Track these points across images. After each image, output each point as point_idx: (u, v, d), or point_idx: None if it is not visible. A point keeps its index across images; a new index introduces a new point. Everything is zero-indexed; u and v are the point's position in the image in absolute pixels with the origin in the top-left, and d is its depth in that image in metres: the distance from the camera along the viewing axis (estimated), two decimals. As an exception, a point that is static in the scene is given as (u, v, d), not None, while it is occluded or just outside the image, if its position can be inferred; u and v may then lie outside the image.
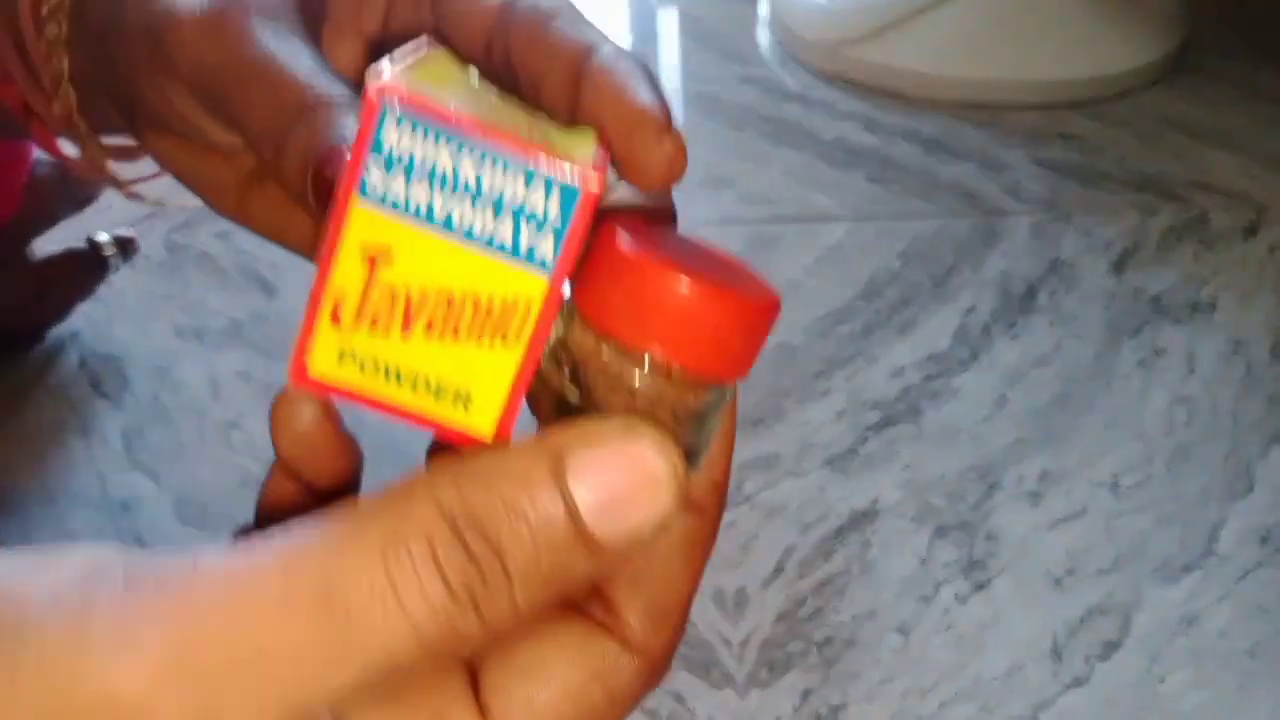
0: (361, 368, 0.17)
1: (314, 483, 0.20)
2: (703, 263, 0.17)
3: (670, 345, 0.16)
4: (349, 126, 0.20)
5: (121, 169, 0.31)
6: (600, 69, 0.19)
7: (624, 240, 0.16)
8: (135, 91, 0.24)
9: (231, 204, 0.26)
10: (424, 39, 0.19)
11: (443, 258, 0.16)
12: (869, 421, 0.46)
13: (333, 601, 0.14)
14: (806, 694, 0.37)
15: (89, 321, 0.49)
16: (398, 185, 0.16)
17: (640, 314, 0.16)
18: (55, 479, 0.43)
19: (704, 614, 0.39)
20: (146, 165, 0.30)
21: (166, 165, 0.27)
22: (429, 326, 0.17)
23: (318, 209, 0.20)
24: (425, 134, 0.16)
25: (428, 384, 0.17)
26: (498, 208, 0.16)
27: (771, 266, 0.54)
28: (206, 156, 0.25)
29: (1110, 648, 0.39)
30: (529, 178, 0.16)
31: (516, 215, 0.16)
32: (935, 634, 0.39)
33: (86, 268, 0.47)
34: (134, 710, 0.13)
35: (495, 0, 0.21)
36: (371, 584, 0.14)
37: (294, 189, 0.21)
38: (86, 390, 0.46)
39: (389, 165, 0.16)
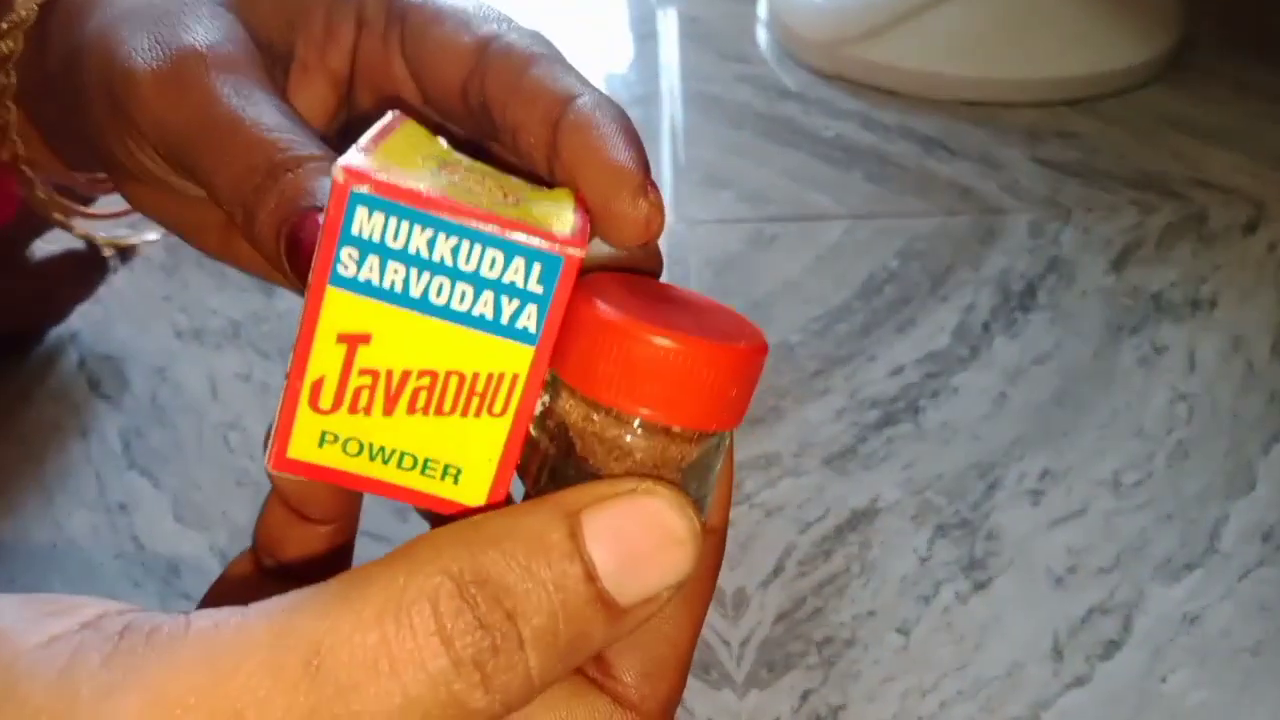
0: (344, 448, 0.16)
1: (313, 518, 0.19)
2: (685, 315, 0.17)
3: (663, 406, 0.16)
4: (322, 188, 0.19)
5: (91, 208, 0.31)
6: (577, 122, 0.18)
7: (603, 306, 0.16)
8: (103, 147, 0.23)
9: (215, 245, 0.26)
10: (392, 113, 0.18)
11: (423, 336, 0.16)
12: (868, 420, 0.46)
13: (321, 672, 0.13)
14: (806, 694, 0.37)
15: (88, 322, 0.49)
16: (371, 269, 0.15)
17: (628, 378, 0.16)
18: (54, 479, 0.43)
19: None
20: (117, 202, 0.29)
21: (145, 210, 0.26)
22: (413, 404, 0.16)
23: (292, 275, 0.19)
24: (397, 217, 0.15)
25: (414, 460, 0.16)
26: (477, 284, 0.16)
27: (770, 265, 0.54)
28: (186, 201, 0.25)
29: (1111, 647, 0.39)
30: (507, 252, 0.15)
31: (497, 290, 0.16)
32: (935, 633, 0.39)
33: (85, 268, 0.47)
34: None
35: (470, 40, 0.20)
36: (365, 653, 0.13)
37: (267, 253, 0.20)
38: (85, 391, 0.46)
39: (361, 250, 0.15)
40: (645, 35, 0.72)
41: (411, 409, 0.16)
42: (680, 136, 0.63)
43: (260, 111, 0.20)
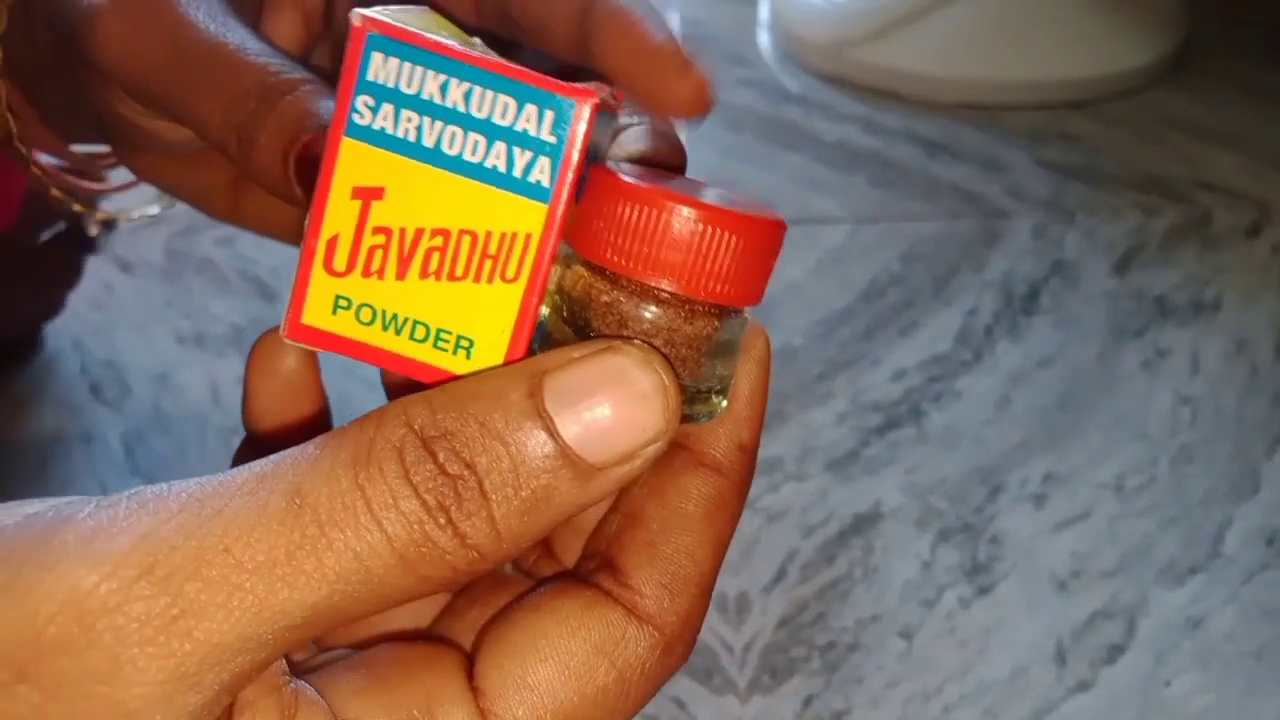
0: (358, 315, 0.16)
1: (284, 437, 0.19)
2: (703, 192, 0.16)
3: (679, 275, 0.15)
4: (325, 109, 0.19)
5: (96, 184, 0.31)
6: (609, 12, 0.18)
7: (619, 173, 0.16)
8: (93, 110, 0.23)
9: (224, 207, 0.25)
10: (415, 7, 0.18)
11: (437, 192, 0.16)
12: (871, 424, 0.46)
13: (303, 511, 0.14)
14: (809, 699, 0.37)
15: (90, 328, 0.49)
16: (386, 118, 0.15)
17: (642, 244, 0.15)
18: (56, 486, 0.43)
19: (705, 619, 0.39)
20: (120, 176, 0.29)
21: (151, 179, 0.26)
22: (425, 268, 0.16)
23: (305, 198, 0.19)
24: (413, 63, 0.15)
25: (427, 330, 0.16)
26: (489, 134, 0.15)
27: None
28: (191, 164, 0.24)
29: (1115, 651, 0.38)
30: (519, 98, 0.15)
31: (509, 139, 0.15)
32: (939, 638, 0.39)
33: (72, 251, 0.46)
34: (98, 613, 0.13)
35: None
36: (343, 495, 0.14)
37: (271, 182, 0.19)
38: (87, 397, 0.46)
39: (377, 98, 0.15)
40: (647, 39, 0.72)
41: (424, 273, 0.16)
42: (682, 139, 0.63)
43: (241, 36, 0.20)
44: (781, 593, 0.40)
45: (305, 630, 0.14)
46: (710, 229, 0.15)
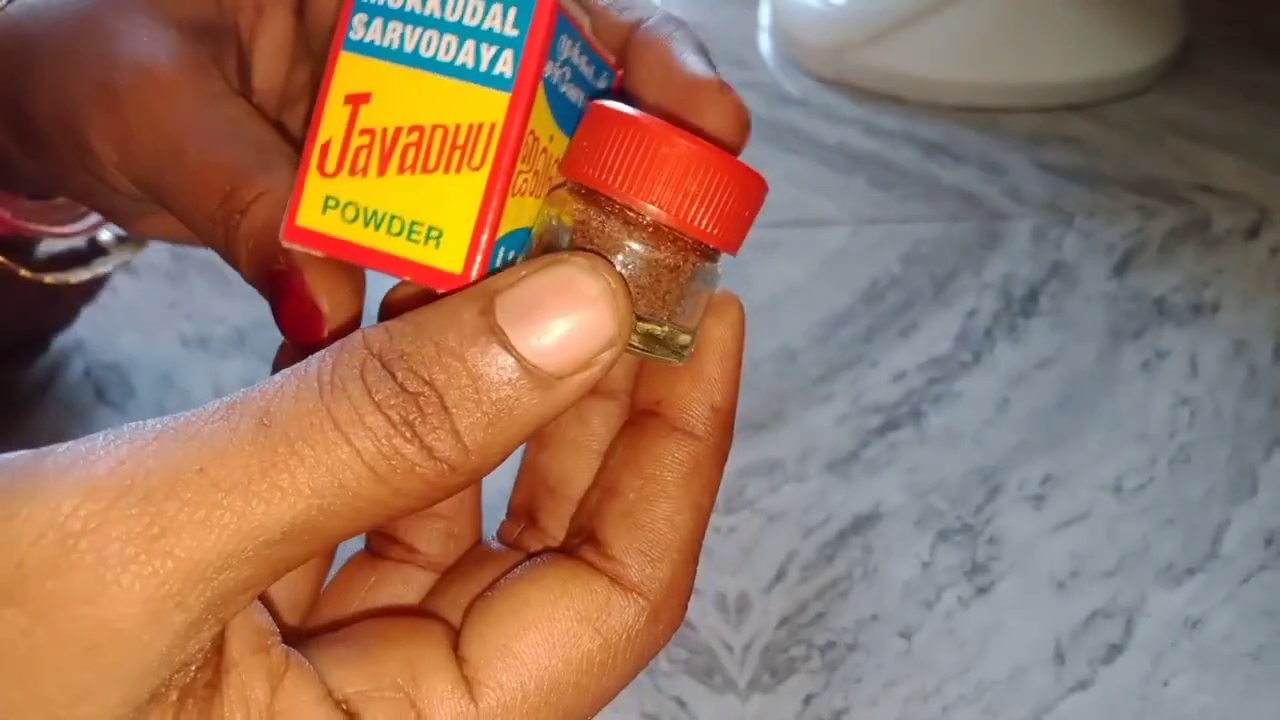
0: (343, 214, 0.17)
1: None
2: (699, 135, 0.17)
3: (667, 200, 0.16)
4: (281, 223, 0.19)
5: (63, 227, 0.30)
6: (647, 42, 0.19)
7: (617, 106, 0.16)
8: (73, 185, 0.23)
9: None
10: None
11: (415, 91, 0.17)
12: (871, 425, 0.46)
13: (272, 430, 0.14)
14: (809, 699, 0.37)
15: (94, 330, 0.49)
16: (376, 30, 0.17)
17: (636, 167, 0.16)
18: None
19: (705, 619, 0.39)
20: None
21: (147, 234, 0.26)
22: (402, 163, 0.17)
23: (270, 299, 0.20)
24: None
25: (402, 224, 0.17)
26: (461, 33, 0.17)
27: (773, 271, 0.54)
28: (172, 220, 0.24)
29: (1113, 651, 0.39)
30: (488, 1, 0.17)
31: (478, 37, 0.17)
32: (938, 638, 0.39)
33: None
34: (79, 535, 0.13)
35: None
36: (311, 414, 0.14)
37: (244, 275, 0.20)
38: (91, 399, 0.46)
39: (369, 14, 0.17)
40: (648, 42, 0.72)
41: (401, 168, 0.17)
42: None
43: (205, 133, 0.21)
44: (782, 592, 0.40)
45: (285, 548, 0.14)
46: (707, 164, 0.16)
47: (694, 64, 0.19)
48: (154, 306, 0.51)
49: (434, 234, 0.17)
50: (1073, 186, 0.60)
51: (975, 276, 0.54)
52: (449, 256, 0.17)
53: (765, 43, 0.72)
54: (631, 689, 0.40)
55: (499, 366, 0.14)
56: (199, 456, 0.14)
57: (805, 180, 0.60)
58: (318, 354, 0.15)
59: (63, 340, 0.48)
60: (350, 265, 0.18)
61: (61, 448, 0.14)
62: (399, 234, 0.17)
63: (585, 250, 0.16)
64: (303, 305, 0.19)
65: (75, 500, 0.13)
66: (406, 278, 0.17)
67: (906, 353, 0.50)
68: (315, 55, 0.24)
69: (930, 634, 0.39)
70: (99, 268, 0.36)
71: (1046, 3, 0.67)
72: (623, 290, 0.15)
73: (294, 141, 0.22)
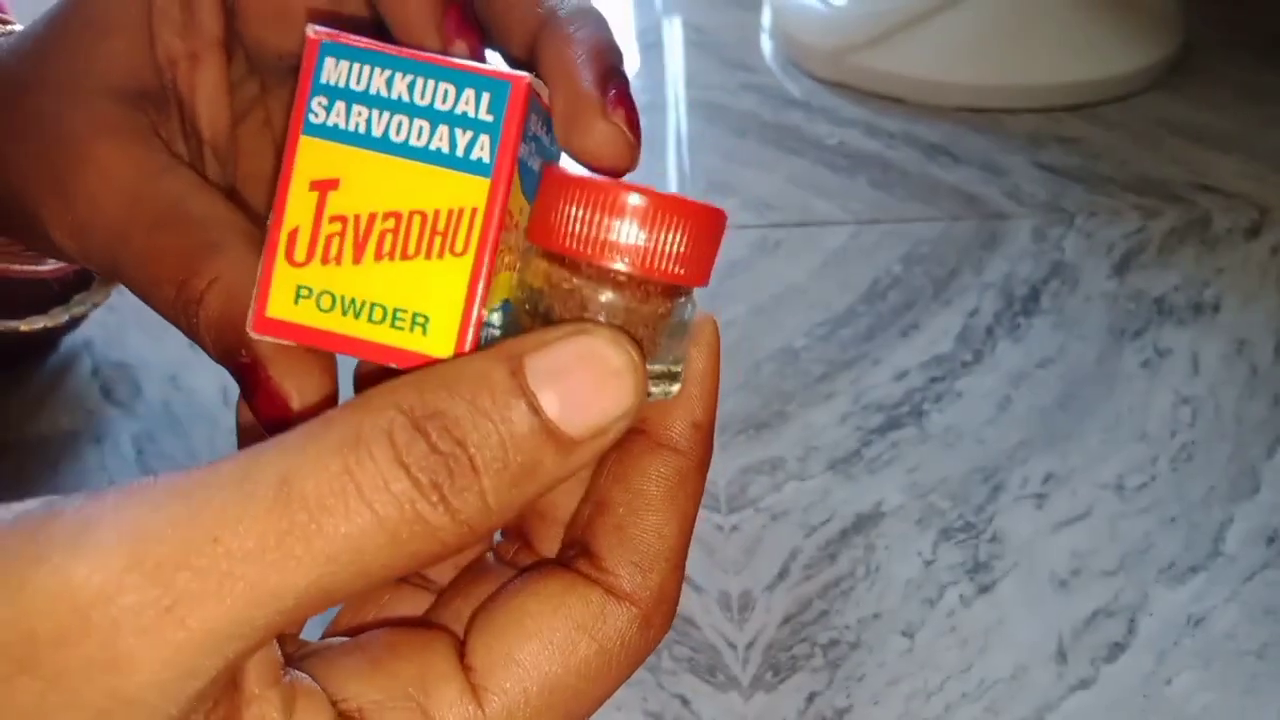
0: (318, 304, 0.17)
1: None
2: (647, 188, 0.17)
3: (631, 254, 0.16)
4: (245, 290, 0.19)
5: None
6: (552, 42, 0.19)
7: (568, 169, 0.17)
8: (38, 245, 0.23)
9: None
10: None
11: (387, 177, 0.17)
12: (872, 424, 0.46)
13: (291, 496, 0.14)
14: (812, 697, 0.37)
15: (101, 330, 0.49)
16: (339, 114, 0.17)
17: (598, 229, 0.16)
18: (68, 486, 0.44)
19: (708, 617, 0.39)
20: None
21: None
22: (379, 250, 0.17)
23: (239, 384, 0.20)
24: (360, 62, 0.17)
25: (384, 312, 0.17)
26: (432, 119, 0.17)
27: (774, 271, 0.54)
28: None
29: (1116, 650, 0.39)
30: (458, 84, 0.16)
31: (451, 122, 0.16)
32: (940, 636, 0.39)
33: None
34: (91, 605, 0.13)
35: None
36: (331, 479, 0.14)
37: (207, 351, 0.21)
38: (98, 398, 0.47)
39: (330, 97, 0.17)
40: (650, 44, 0.73)
41: (379, 255, 0.17)
42: (685, 144, 0.63)
43: (149, 218, 0.20)
44: (784, 591, 0.40)
45: (296, 612, 0.14)
46: (661, 212, 0.16)
47: (583, 79, 0.18)
48: (159, 308, 0.51)
49: (420, 320, 0.17)
50: (1073, 186, 0.60)
51: (976, 276, 0.54)
52: (437, 342, 0.17)
53: (767, 45, 0.72)
54: (634, 687, 0.40)
55: (528, 429, 0.15)
56: (213, 525, 0.14)
57: (807, 181, 0.60)
58: (340, 410, 0.15)
59: (71, 340, 0.49)
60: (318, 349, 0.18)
61: (70, 506, 0.14)
62: (381, 321, 0.17)
63: (575, 313, 0.17)
64: (270, 397, 0.19)
65: (86, 570, 0.13)
66: (392, 364, 0.17)
67: (908, 352, 0.50)
68: (258, 72, 0.24)
69: (932, 632, 0.39)
70: (76, 307, 0.36)
71: (1047, 4, 0.67)
72: (643, 365, 0.16)
73: (252, 212, 0.22)
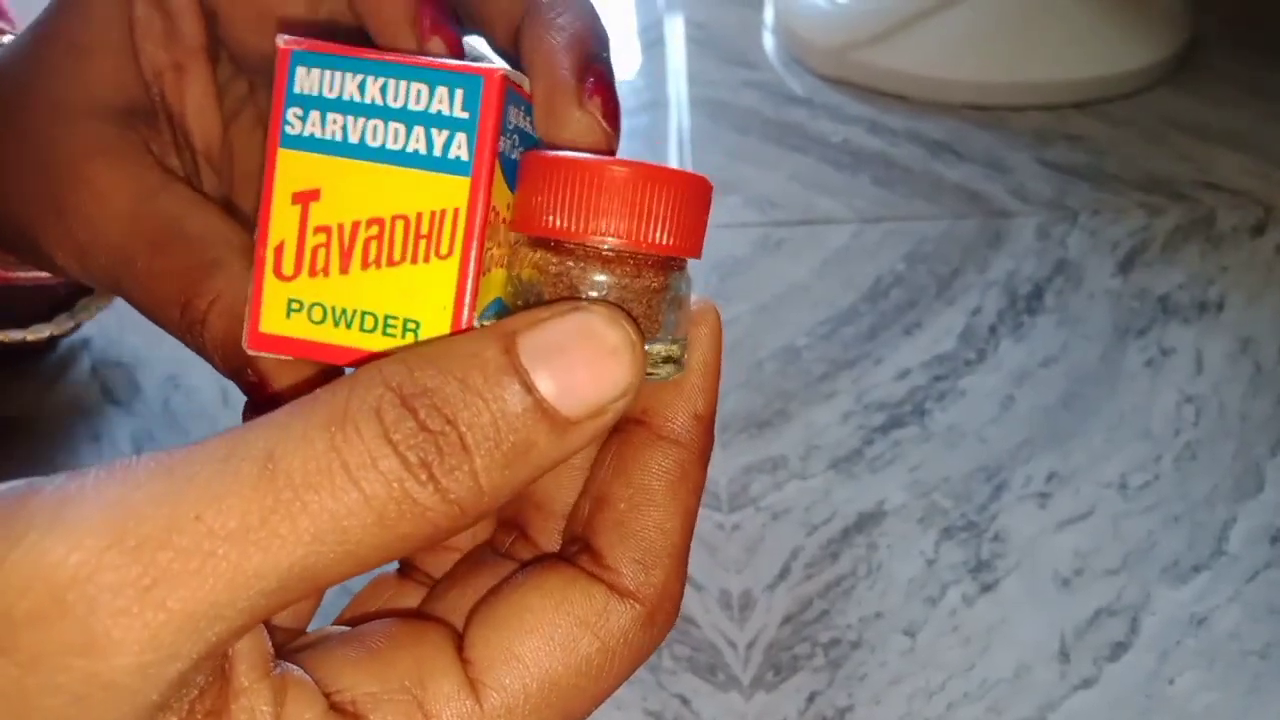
0: (310, 316, 0.17)
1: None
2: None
3: (618, 227, 0.16)
4: (239, 304, 0.19)
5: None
6: (534, 30, 0.19)
7: (546, 151, 0.16)
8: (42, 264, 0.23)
9: None
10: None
11: (367, 183, 0.16)
12: (875, 423, 0.46)
13: (276, 474, 0.13)
14: (813, 696, 0.37)
15: (101, 329, 0.49)
16: (314, 124, 0.16)
17: (582, 206, 0.16)
18: (68, 485, 0.43)
19: (709, 616, 0.39)
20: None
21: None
22: (365, 258, 0.17)
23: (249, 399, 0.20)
24: (331, 69, 0.16)
25: (375, 320, 0.17)
26: (408, 120, 0.16)
27: (777, 269, 0.54)
28: None
29: (1119, 649, 0.39)
30: (430, 83, 0.16)
31: (426, 123, 0.16)
32: (942, 636, 0.39)
33: None
34: (68, 584, 0.13)
35: None
36: (318, 458, 0.14)
37: (218, 369, 0.20)
38: (98, 397, 0.47)
39: (304, 107, 0.16)
40: (653, 42, 0.72)
41: (365, 263, 0.16)
42: (687, 142, 0.63)
43: (148, 239, 0.20)
44: (785, 590, 0.40)
45: (281, 595, 0.14)
46: (645, 181, 0.16)
47: (561, 66, 0.18)
48: (160, 306, 0.51)
49: (411, 326, 0.16)
50: (1077, 184, 0.59)
51: (980, 274, 0.54)
52: None
53: (770, 42, 0.72)
54: (635, 686, 0.40)
55: (521, 408, 0.14)
56: (196, 502, 0.13)
57: (810, 178, 0.60)
58: (327, 388, 0.14)
59: (70, 339, 0.49)
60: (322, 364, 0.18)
61: (50, 484, 0.14)
62: (373, 330, 0.17)
63: (565, 297, 0.16)
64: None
65: (64, 548, 0.13)
66: None
67: (911, 350, 0.50)
68: (245, 72, 0.24)
69: (934, 631, 0.39)
70: (81, 313, 0.36)
71: (1051, 1, 0.67)
72: (640, 343, 0.15)
73: (249, 219, 0.22)
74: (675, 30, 0.73)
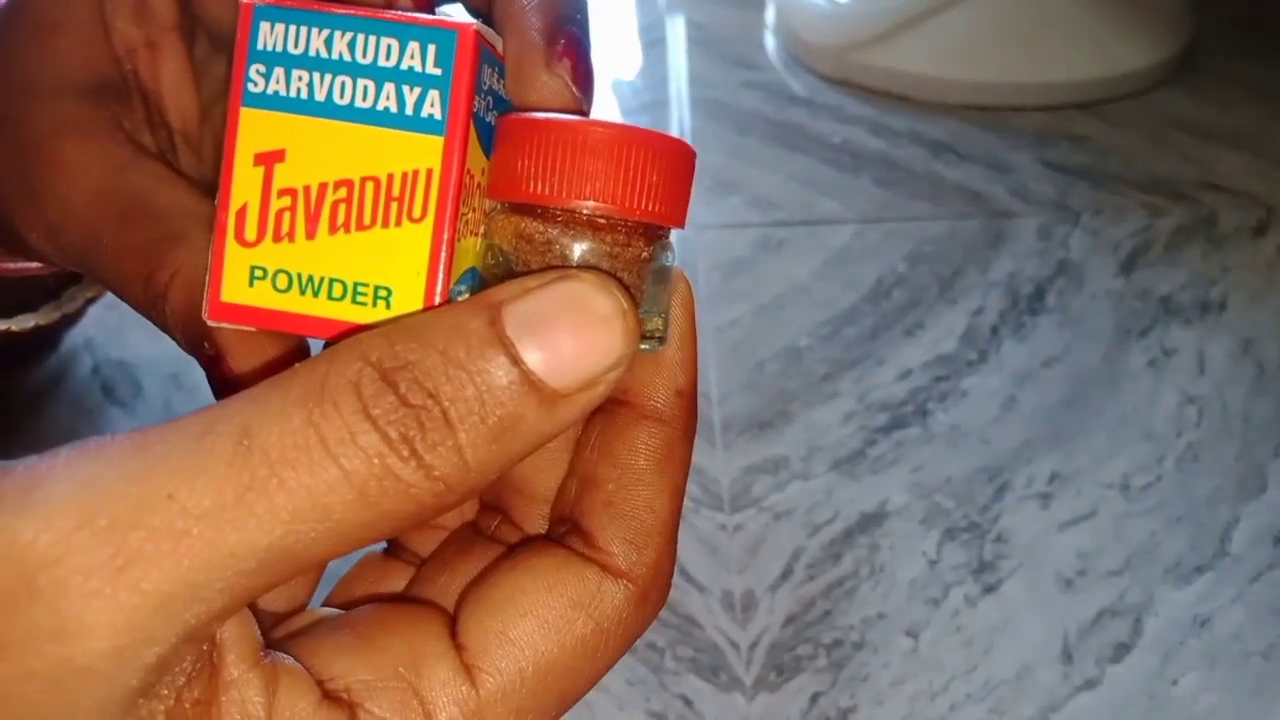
0: (274, 284, 0.16)
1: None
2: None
3: (603, 192, 0.15)
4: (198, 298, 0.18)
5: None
6: None
7: (523, 114, 0.16)
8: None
9: None
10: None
11: (335, 143, 0.16)
12: (877, 424, 0.46)
13: (251, 450, 0.13)
14: (815, 697, 0.37)
15: (102, 328, 0.49)
16: (278, 81, 0.16)
17: (565, 169, 0.15)
18: (68, 485, 0.43)
19: (711, 617, 0.39)
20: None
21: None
22: (334, 222, 0.16)
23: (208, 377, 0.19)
24: (296, 24, 0.16)
25: (344, 287, 0.16)
26: (377, 77, 0.15)
27: (778, 270, 0.54)
28: None
29: (1121, 650, 0.38)
30: (401, 38, 0.15)
31: (398, 80, 0.15)
32: (945, 636, 0.39)
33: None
34: (38, 567, 0.12)
35: None
36: (294, 433, 0.13)
37: (181, 347, 0.20)
38: (99, 397, 0.47)
39: (268, 64, 0.16)
40: (653, 42, 0.72)
41: (333, 227, 0.16)
42: (688, 142, 0.63)
43: (115, 214, 0.20)
44: (788, 591, 0.40)
45: (262, 576, 0.13)
46: (630, 145, 0.15)
47: (530, 27, 0.17)
48: (161, 306, 0.51)
49: (382, 293, 0.16)
50: (1079, 185, 0.59)
51: (981, 275, 0.54)
52: (404, 313, 0.16)
53: (770, 42, 0.72)
54: (638, 687, 0.40)
55: (507, 381, 0.14)
56: (168, 480, 0.13)
57: (811, 179, 0.60)
58: (306, 363, 0.14)
59: (71, 338, 0.49)
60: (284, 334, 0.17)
61: (20, 466, 0.13)
62: (342, 298, 0.16)
63: (550, 266, 0.16)
64: (234, 391, 0.19)
65: (33, 530, 0.12)
66: None
67: (912, 351, 0.49)
68: (220, 48, 0.23)
69: (937, 632, 0.39)
70: (68, 303, 0.35)
71: (1053, 1, 0.67)
72: (633, 310, 0.15)
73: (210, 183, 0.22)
74: (676, 30, 0.73)
